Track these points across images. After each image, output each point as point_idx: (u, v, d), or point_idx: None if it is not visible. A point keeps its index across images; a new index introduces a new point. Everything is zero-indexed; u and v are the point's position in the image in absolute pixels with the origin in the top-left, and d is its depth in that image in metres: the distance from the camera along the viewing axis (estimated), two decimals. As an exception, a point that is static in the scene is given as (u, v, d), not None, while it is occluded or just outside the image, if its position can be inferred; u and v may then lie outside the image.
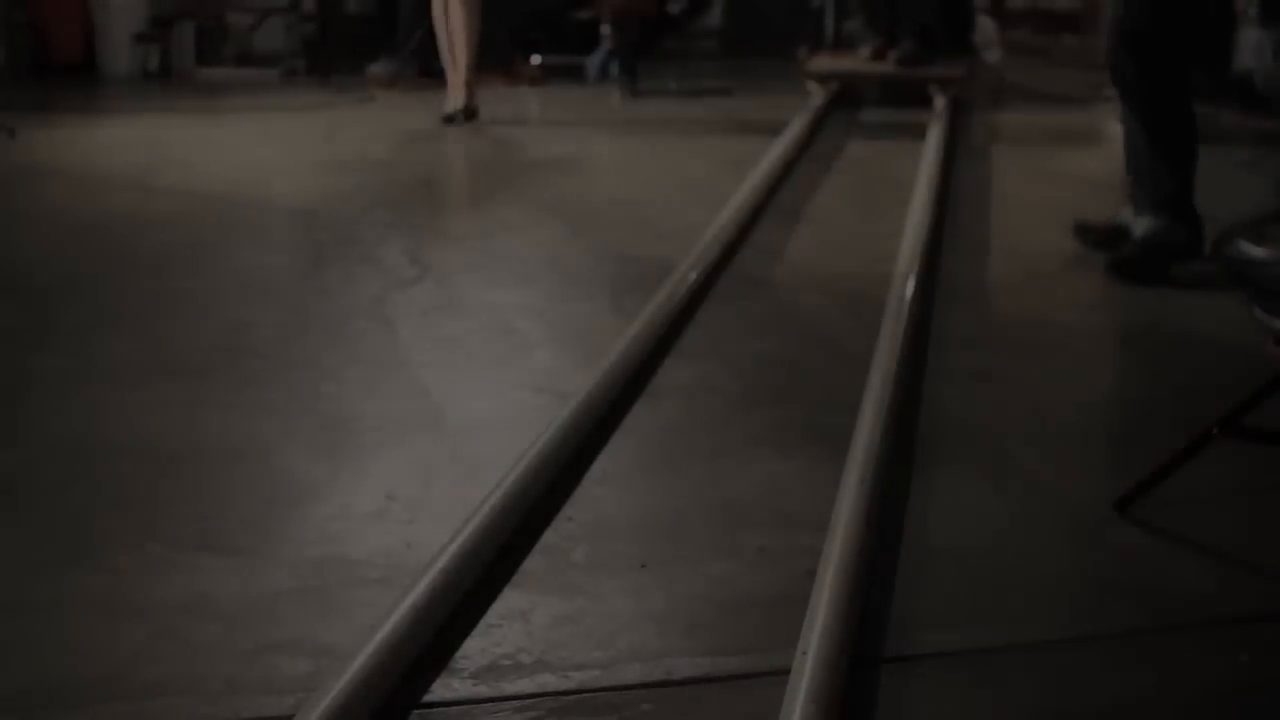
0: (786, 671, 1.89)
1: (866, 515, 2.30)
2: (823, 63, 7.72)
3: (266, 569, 2.28)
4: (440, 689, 1.95)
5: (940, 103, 6.63)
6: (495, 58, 8.80)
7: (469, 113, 6.43)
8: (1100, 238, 4.15)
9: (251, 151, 5.97)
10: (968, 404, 3.04)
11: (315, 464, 2.70)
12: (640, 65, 8.16)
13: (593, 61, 7.93)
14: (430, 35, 8.47)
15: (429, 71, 8.51)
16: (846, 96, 7.19)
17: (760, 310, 3.71)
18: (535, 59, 8.51)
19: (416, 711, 1.91)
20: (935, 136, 5.77)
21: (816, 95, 7.02)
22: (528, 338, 3.48)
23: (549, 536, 2.39)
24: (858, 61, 7.49)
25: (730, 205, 4.56)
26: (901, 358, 3.11)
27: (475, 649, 2.05)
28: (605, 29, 7.99)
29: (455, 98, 6.49)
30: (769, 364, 3.29)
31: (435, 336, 3.49)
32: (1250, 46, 8.53)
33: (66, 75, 8.68)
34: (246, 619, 2.12)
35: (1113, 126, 6.20)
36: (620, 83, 7.71)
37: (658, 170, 5.62)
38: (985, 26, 9.45)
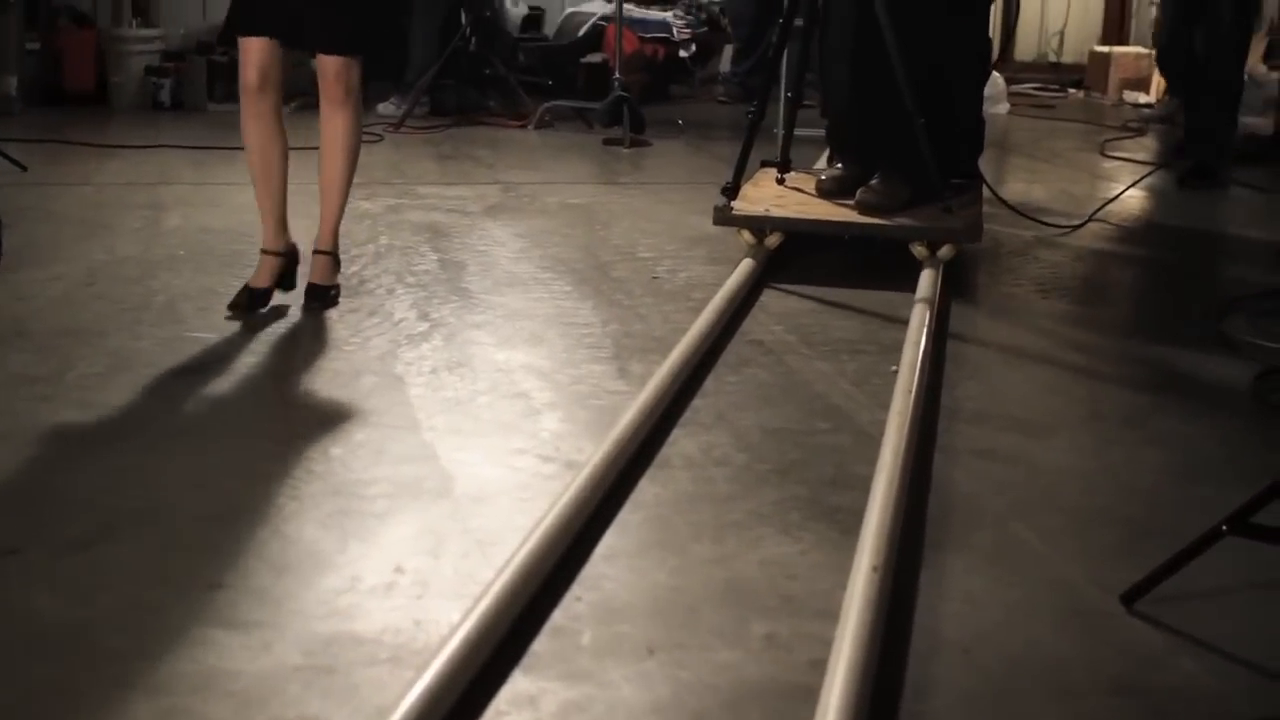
0: (795, 771, 1.90)
1: (877, 607, 2.31)
2: (756, 198, 5.07)
3: (277, 645, 2.28)
4: (449, 778, 1.96)
5: (926, 279, 4.43)
6: (503, 100, 8.88)
7: (325, 292, 4.29)
8: None
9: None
10: (976, 484, 3.05)
11: (325, 532, 2.70)
12: (649, 110, 8.20)
13: (601, 106, 7.95)
14: (443, 73, 8.55)
15: (441, 110, 8.58)
16: (797, 245, 4.94)
17: (768, 378, 3.72)
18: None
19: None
20: (917, 337, 3.84)
21: (748, 250, 4.79)
22: (535, 401, 3.49)
23: (557, 617, 2.40)
24: (806, 202, 5.07)
25: (738, 268, 4.56)
26: (911, 434, 3.12)
27: (484, 736, 2.06)
28: (615, 74, 8.01)
29: (318, 267, 4.33)
30: (776, 436, 3.29)
31: (443, 397, 3.50)
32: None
33: (78, 105, 8.74)
34: (257, 697, 2.13)
35: (1111, 189, 6.27)
36: (629, 128, 7.73)
37: (666, 223, 5.63)
38: (993, 80, 9.51)
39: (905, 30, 4.63)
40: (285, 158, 4.20)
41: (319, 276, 4.29)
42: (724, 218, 4.85)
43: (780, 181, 5.38)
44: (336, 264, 4.36)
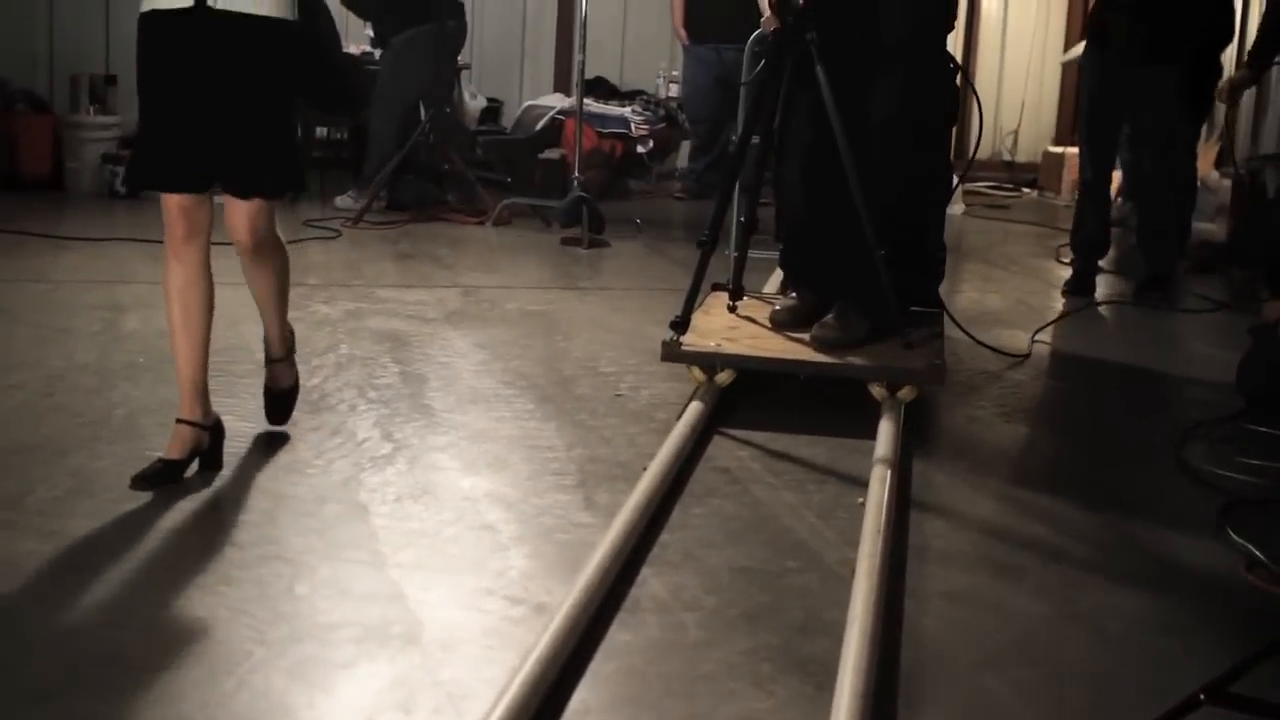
0: None
1: (854, 780, 2.29)
2: (707, 331, 4.81)
3: (246, 813, 2.24)
4: None
5: (886, 433, 4.17)
6: (461, 195, 8.88)
7: (285, 398, 4.24)
8: None
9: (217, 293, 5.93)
10: (947, 632, 3.03)
11: (292, 683, 2.66)
12: (607, 206, 8.22)
13: (561, 206, 7.96)
14: (402, 168, 8.56)
15: (399, 205, 8.58)
16: (750, 376, 4.68)
17: (734, 510, 3.70)
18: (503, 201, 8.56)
19: None
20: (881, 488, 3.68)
21: (697, 389, 4.56)
22: (501, 535, 3.45)
23: (531, 783, 2.37)
24: (759, 335, 4.82)
25: (686, 413, 4.33)
26: (881, 581, 3.10)
27: None
28: (574, 173, 8.02)
29: (275, 373, 4.21)
30: (745, 576, 3.27)
31: (408, 529, 3.46)
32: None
33: (33, 191, 8.73)
34: None
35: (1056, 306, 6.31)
36: (587, 228, 7.74)
37: (625, 334, 5.63)
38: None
39: (865, 157, 4.52)
40: (208, 313, 3.75)
41: (277, 381, 4.19)
42: (673, 354, 4.59)
43: (732, 309, 5.14)
44: (292, 363, 4.23)
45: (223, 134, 3.64)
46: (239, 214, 3.74)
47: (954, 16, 5.05)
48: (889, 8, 4.72)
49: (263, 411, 4.22)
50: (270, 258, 3.89)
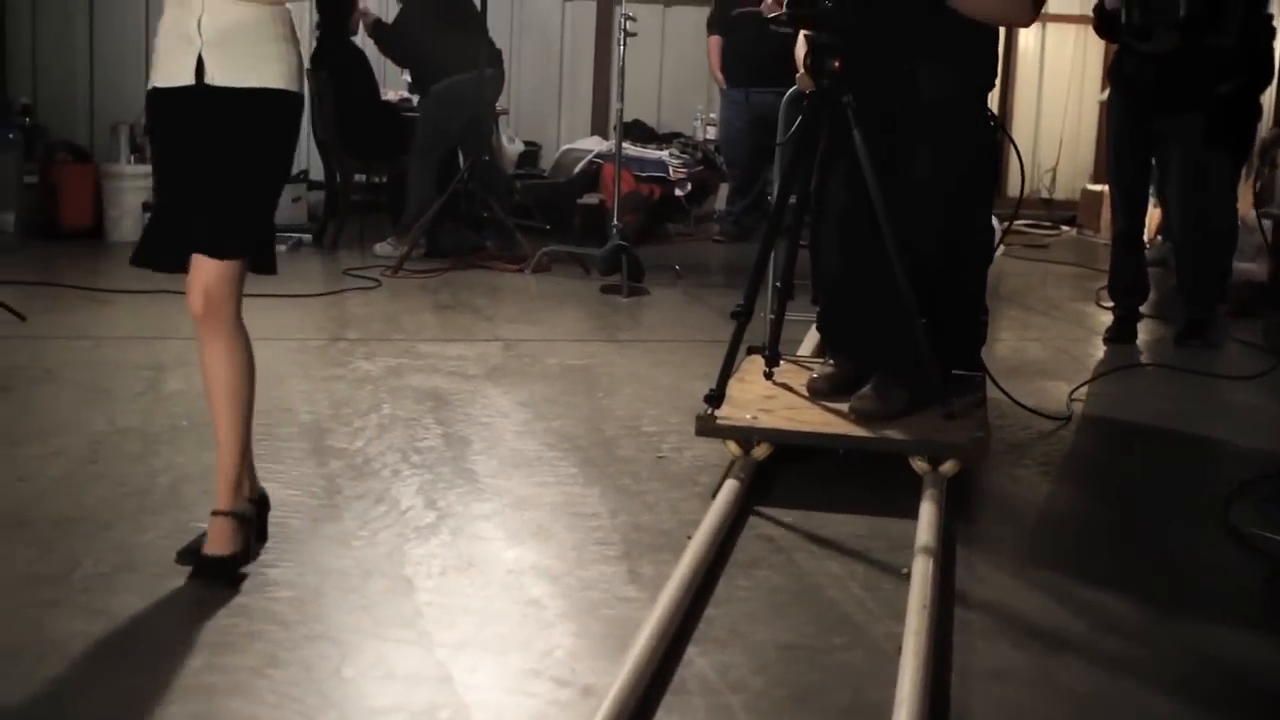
0: None
1: None
2: (743, 401, 4.69)
3: None
4: None
5: (928, 516, 4.00)
6: (500, 241, 8.90)
7: (217, 566, 3.54)
8: None
9: (258, 350, 5.95)
10: (994, 713, 3.02)
11: (341, 774, 2.67)
12: (645, 251, 8.23)
13: (600, 254, 7.97)
14: (443, 213, 8.58)
15: (439, 252, 8.60)
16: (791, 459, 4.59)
17: (779, 582, 3.69)
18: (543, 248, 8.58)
19: None
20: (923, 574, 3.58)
21: (732, 465, 4.45)
22: (547, 612, 3.45)
23: None
24: (796, 405, 4.69)
25: (720, 494, 4.19)
26: (928, 660, 3.08)
27: None
28: (614, 221, 8.02)
29: (213, 532, 3.58)
30: (791, 654, 3.25)
31: (453, 605, 3.46)
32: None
33: (75, 241, 8.80)
34: None
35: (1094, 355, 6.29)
36: (627, 277, 7.75)
37: (666, 390, 5.63)
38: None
39: (904, 222, 4.42)
40: (219, 392, 3.60)
41: (213, 544, 3.56)
42: (708, 428, 4.45)
43: (769, 376, 5.01)
44: (241, 524, 3.60)
45: (211, 201, 3.48)
46: (197, 275, 3.46)
47: (995, 74, 5.00)
48: (929, 67, 4.67)
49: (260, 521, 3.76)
50: (223, 337, 3.52)
